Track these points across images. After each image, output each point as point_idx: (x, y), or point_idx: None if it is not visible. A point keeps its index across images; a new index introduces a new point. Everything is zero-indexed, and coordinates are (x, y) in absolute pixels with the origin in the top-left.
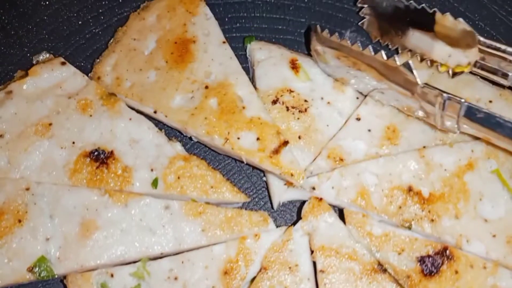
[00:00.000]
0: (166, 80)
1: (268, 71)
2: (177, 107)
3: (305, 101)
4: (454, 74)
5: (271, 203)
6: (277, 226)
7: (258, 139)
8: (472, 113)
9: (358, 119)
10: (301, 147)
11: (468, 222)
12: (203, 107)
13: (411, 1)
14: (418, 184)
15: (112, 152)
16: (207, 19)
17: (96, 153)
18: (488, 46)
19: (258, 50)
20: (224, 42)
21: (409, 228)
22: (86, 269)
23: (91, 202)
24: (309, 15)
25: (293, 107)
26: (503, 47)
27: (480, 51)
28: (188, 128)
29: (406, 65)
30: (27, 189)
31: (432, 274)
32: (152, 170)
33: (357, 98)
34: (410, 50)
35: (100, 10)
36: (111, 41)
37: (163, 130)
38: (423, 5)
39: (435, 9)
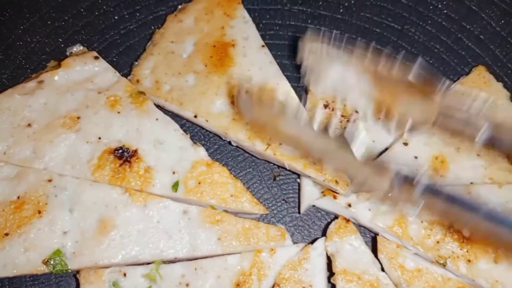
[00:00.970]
0: (205, 84)
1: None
2: (217, 112)
3: (356, 112)
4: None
5: (299, 207)
6: (293, 242)
7: None
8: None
9: (406, 144)
10: None
11: (507, 269)
12: None
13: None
14: None
15: (136, 151)
16: (245, 22)
17: (120, 151)
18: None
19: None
20: (263, 46)
21: (444, 265)
22: (100, 267)
23: (111, 199)
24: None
25: (342, 116)
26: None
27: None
28: (229, 133)
29: None
30: (50, 180)
31: None
32: (173, 173)
33: None
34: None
35: (137, 7)
36: (149, 43)
37: (188, 133)
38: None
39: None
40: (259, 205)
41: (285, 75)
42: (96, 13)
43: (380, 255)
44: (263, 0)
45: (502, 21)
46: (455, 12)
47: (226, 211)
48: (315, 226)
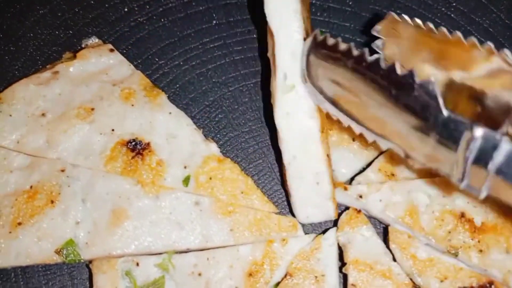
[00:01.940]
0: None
1: None
2: None
3: None
4: None
5: None
6: (305, 233)
7: None
8: None
9: None
10: (354, 150)
11: None
12: None
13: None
14: (471, 211)
15: (148, 144)
16: None
17: (133, 143)
18: None
19: None
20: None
21: (456, 255)
22: (112, 257)
23: (124, 190)
24: None
25: None
26: None
27: None
28: None
29: (426, 84)
30: (63, 170)
31: None
32: (185, 167)
33: None
34: None
35: (146, 0)
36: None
37: (201, 128)
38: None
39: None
40: (269, 203)
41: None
42: (106, 5)
43: (391, 245)
44: None
45: (511, 14)
46: (464, 5)
47: None
48: None
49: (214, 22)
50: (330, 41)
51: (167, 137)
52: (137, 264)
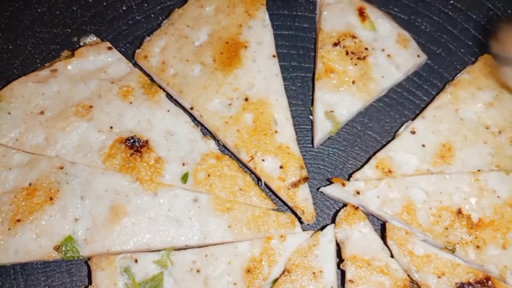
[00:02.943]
0: (209, 79)
1: (335, 13)
2: (213, 110)
3: (366, 49)
4: None
5: (312, 141)
6: (303, 230)
7: (281, 167)
8: None
9: (413, 132)
10: (353, 92)
11: None
12: (238, 118)
13: None
14: (468, 207)
15: (147, 142)
16: (264, 26)
17: (131, 141)
18: None
19: None
20: (274, 56)
21: (453, 251)
22: (111, 253)
23: (122, 187)
24: None
25: (352, 53)
26: None
27: None
28: (219, 134)
29: None
30: (61, 168)
31: None
32: (183, 164)
33: (418, 56)
34: None
35: None
36: (166, 21)
37: (199, 126)
38: None
39: None
40: (267, 200)
41: (287, 89)
42: (104, 3)
43: (389, 242)
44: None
45: (508, 11)
46: (461, 2)
47: None
48: (324, 214)
49: None
50: None
51: (166, 135)
52: (136, 261)
